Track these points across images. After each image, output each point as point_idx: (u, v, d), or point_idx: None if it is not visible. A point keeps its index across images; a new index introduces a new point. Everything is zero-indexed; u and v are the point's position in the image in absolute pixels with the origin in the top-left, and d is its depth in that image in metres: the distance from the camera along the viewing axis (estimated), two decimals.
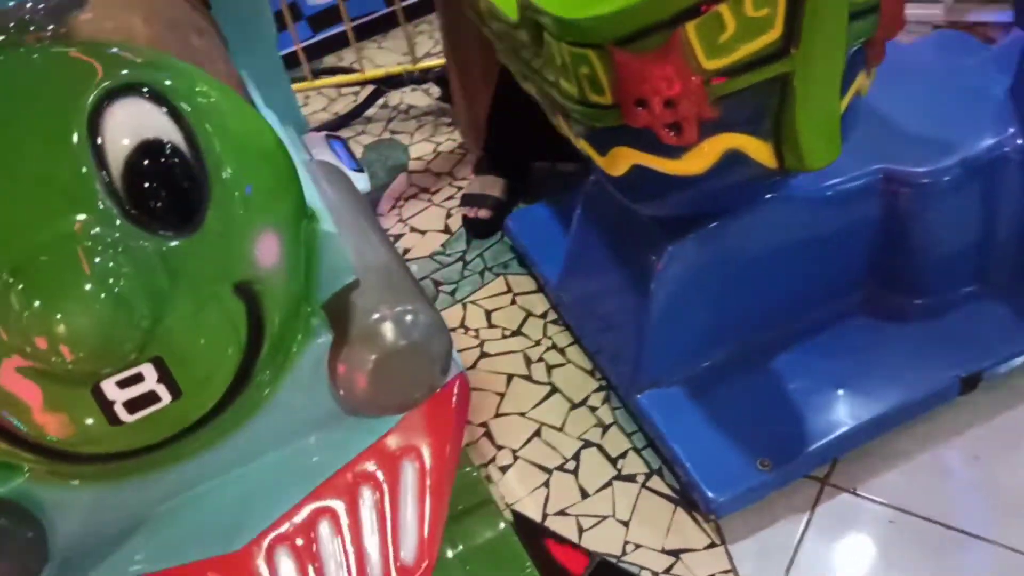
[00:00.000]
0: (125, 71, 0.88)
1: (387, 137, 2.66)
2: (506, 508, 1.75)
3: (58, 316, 0.78)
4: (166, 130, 0.87)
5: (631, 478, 1.79)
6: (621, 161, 1.40)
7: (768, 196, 1.69)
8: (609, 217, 1.82)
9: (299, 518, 1.13)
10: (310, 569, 1.12)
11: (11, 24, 0.94)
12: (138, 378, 0.89)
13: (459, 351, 2.06)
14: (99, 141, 0.84)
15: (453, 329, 2.11)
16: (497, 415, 1.94)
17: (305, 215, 1.06)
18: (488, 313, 2.14)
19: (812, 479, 1.70)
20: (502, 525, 1.60)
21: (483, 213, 2.27)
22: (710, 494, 1.60)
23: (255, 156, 0.96)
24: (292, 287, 1.01)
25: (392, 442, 1.18)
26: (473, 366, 2.04)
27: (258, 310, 0.96)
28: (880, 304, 1.88)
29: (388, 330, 1.06)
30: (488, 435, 1.90)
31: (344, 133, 2.69)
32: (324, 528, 1.14)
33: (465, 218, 2.31)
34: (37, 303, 0.78)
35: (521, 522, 1.74)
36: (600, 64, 1.27)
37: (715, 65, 1.19)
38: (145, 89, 0.87)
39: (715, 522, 1.66)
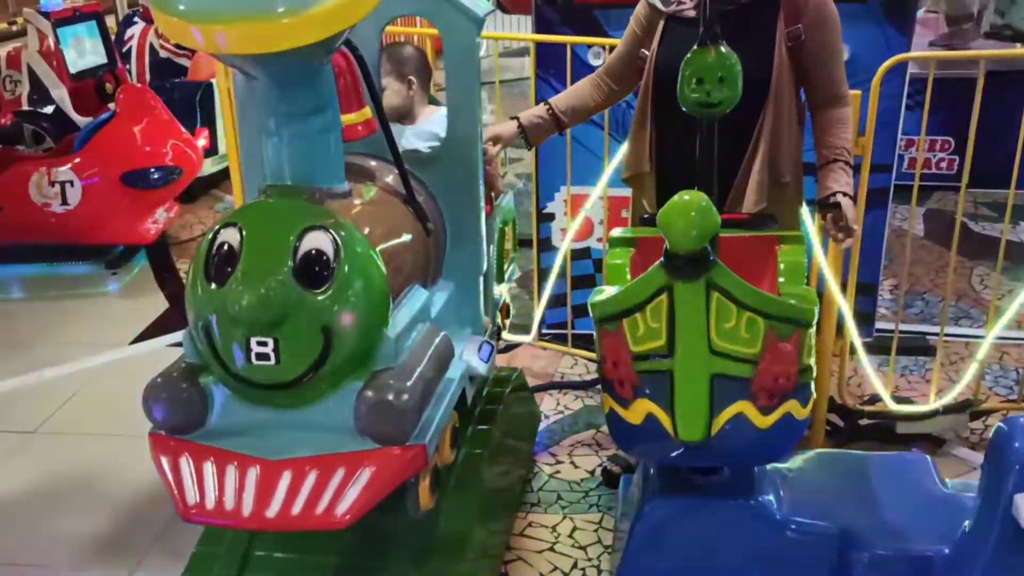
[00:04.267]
0: (323, 221, 1.97)
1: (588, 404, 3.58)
2: None
3: (244, 295, 1.87)
4: (328, 248, 1.94)
5: None
6: (605, 404, 2.22)
7: (744, 501, 2.33)
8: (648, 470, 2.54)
9: (306, 463, 2.00)
10: (295, 489, 1.97)
11: (315, 193, 2.06)
12: (265, 344, 1.93)
13: (536, 541, 2.84)
14: (299, 243, 1.93)
15: (545, 527, 2.90)
16: None
17: (384, 321, 2.06)
18: (574, 529, 2.90)
19: None
20: None
21: (616, 469, 3.06)
22: None
23: (363, 278, 1.99)
24: (353, 346, 2.00)
25: (366, 455, 2.01)
26: (540, 552, 2.81)
27: (329, 345, 1.96)
28: None
29: (387, 394, 1.99)
30: None
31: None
32: (312, 474, 2.00)
33: (604, 469, 3.12)
34: (241, 287, 1.88)
35: None
36: (597, 333, 2.16)
37: (637, 349, 2.02)
38: (327, 229, 1.96)
39: None
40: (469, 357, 2.53)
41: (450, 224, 2.63)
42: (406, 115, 2.86)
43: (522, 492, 3.06)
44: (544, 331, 3.92)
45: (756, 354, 1.97)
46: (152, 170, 4.79)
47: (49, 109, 5.68)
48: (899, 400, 3.28)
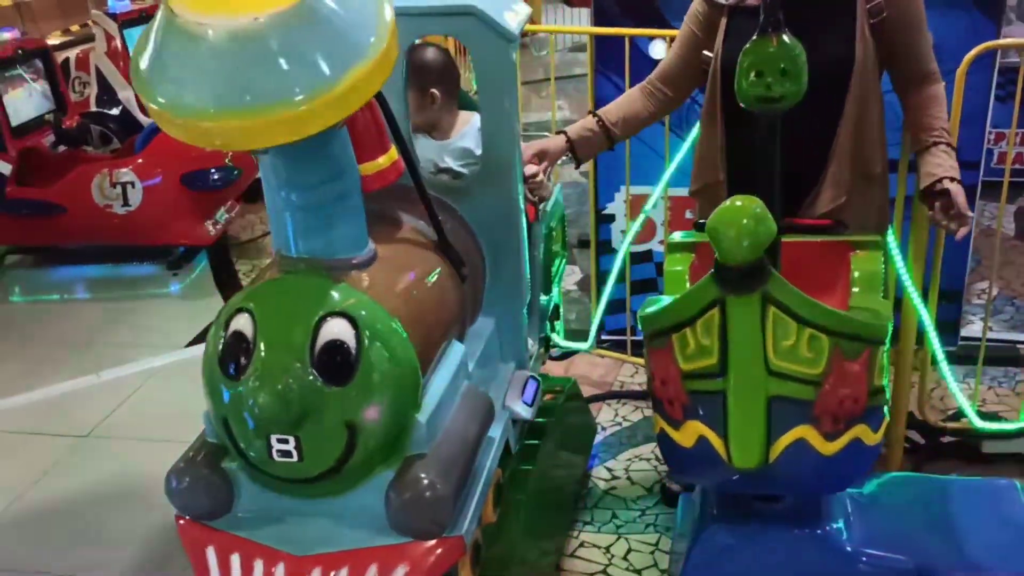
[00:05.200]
0: (342, 305, 1.81)
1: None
2: None
3: (260, 393, 1.74)
4: (348, 337, 1.78)
5: None
6: (655, 424, 2.05)
7: (811, 530, 2.14)
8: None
9: (336, 560, 1.88)
10: None
11: (333, 267, 1.87)
12: (286, 441, 1.80)
13: (588, 563, 2.69)
14: (317, 333, 1.78)
15: (598, 548, 2.75)
16: None
17: (414, 405, 1.90)
18: (629, 550, 2.74)
19: None
20: None
21: (675, 486, 2.89)
22: None
23: (389, 365, 1.83)
24: (381, 438, 1.85)
25: (400, 550, 1.87)
26: (592, 574, 2.66)
27: (354, 440, 1.82)
28: None
29: (419, 487, 1.83)
30: None
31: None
32: (343, 572, 1.86)
33: (663, 486, 2.95)
34: (257, 384, 1.75)
35: None
36: (646, 348, 1.99)
37: (686, 367, 1.86)
38: (347, 315, 1.80)
39: None
40: (512, 403, 2.38)
41: (489, 256, 2.46)
42: (433, 128, 2.66)
43: (574, 509, 2.91)
44: (603, 337, 3.75)
45: (819, 375, 1.79)
46: (212, 171, 4.75)
47: (116, 110, 5.74)
48: (985, 416, 3.02)
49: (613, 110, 2.64)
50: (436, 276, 2.18)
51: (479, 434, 2.11)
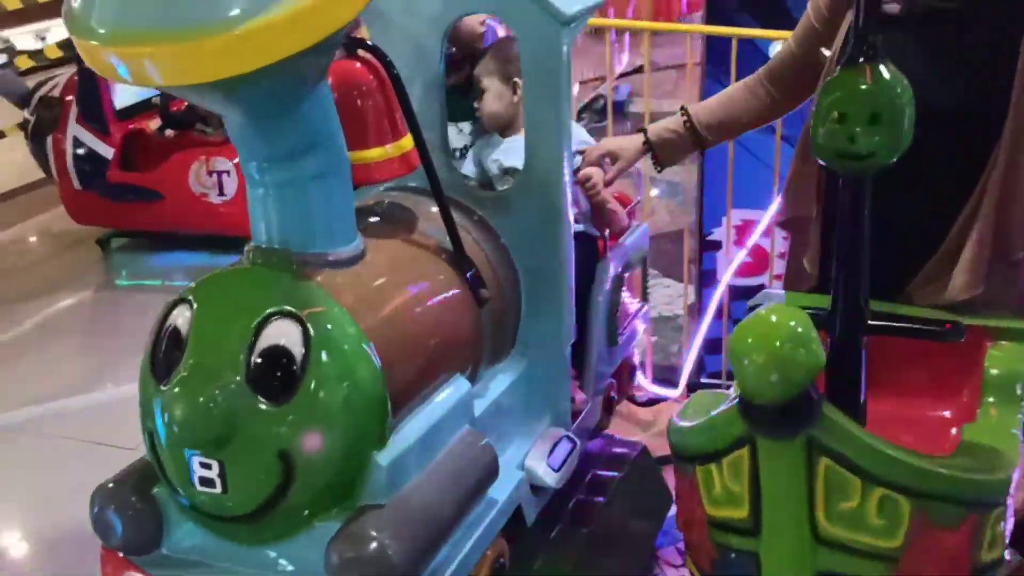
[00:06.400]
0: (294, 305, 1.50)
1: None
2: None
3: (180, 403, 1.45)
4: (294, 344, 1.47)
5: None
6: (688, 561, 1.59)
7: None
8: None
9: None
10: None
11: (306, 260, 1.58)
12: (209, 467, 1.50)
13: None
14: (259, 336, 1.48)
15: None
16: None
17: (374, 443, 1.54)
18: None
19: None
20: None
21: None
22: None
23: (342, 386, 1.49)
24: (324, 477, 1.51)
25: None
26: None
27: (290, 475, 1.48)
28: None
29: (364, 547, 1.47)
30: None
31: None
32: None
33: None
34: (177, 390, 1.47)
35: None
36: (674, 467, 1.53)
37: (712, 513, 1.38)
38: (297, 318, 1.48)
39: None
40: (534, 463, 1.96)
41: (526, 283, 2.06)
42: (509, 125, 2.31)
43: None
44: (703, 380, 3.24)
45: (897, 548, 1.28)
46: None
47: None
48: None
49: (706, 110, 2.17)
50: (440, 292, 1.84)
51: (470, 490, 1.72)
